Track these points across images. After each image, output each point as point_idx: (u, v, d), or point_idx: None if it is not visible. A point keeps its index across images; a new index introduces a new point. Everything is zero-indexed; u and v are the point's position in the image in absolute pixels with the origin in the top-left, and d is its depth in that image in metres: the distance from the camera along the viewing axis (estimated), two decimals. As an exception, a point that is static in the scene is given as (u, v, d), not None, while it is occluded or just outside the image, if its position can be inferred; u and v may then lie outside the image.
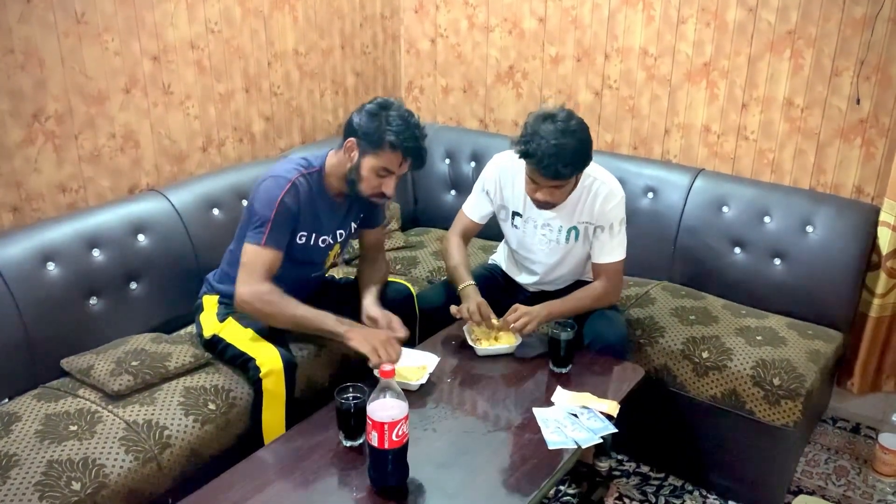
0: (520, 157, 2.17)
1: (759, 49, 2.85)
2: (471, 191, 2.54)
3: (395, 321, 2.18)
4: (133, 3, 2.52)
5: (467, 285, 2.35)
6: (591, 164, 2.30)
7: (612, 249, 2.35)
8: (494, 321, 2.25)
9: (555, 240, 2.38)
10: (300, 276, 2.29)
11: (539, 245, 2.41)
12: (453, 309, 2.27)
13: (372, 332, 2.09)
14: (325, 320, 2.11)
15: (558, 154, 2.09)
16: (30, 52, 2.30)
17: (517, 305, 2.27)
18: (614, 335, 2.33)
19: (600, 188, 2.31)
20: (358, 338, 2.05)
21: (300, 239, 2.22)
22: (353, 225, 2.38)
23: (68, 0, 2.35)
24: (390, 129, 2.09)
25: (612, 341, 2.30)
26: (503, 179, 2.42)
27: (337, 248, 2.37)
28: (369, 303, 2.27)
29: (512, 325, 2.23)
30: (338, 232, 2.33)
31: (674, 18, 2.98)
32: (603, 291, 2.38)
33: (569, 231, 2.36)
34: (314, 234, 2.26)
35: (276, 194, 2.13)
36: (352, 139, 2.15)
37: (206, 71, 2.82)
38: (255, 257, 2.12)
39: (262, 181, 2.19)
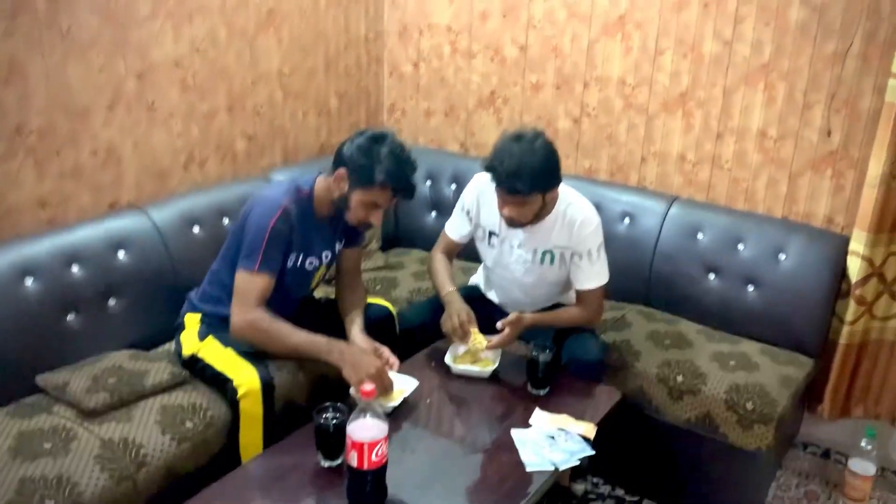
0: (485, 171, 2.23)
1: (733, 81, 2.93)
2: (451, 212, 2.58)
3: (385, 351, 2.19)
4: (119, 21, 2.54)
5: (448, 292, 2.39)
6: (568, 190, 2.35)
7: (593, 276, 2.39)
8: (475, 334, 2.28)
9: (530, 260, 2.42)
10: (288, 298, 2.29)
11: (515, 264, 2.45)
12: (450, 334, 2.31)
13: (363, 362, 2.06)
14: (319, 347, 2.11)
15: (518, 170, 2.14)
16: (14, 67, 2.30)
17: (513, 319, 2.30)
18: (591, 356, 2.36)
19: (575, 214, 2.35)
20: (350, 369, 2.05)
21: (289, 262, 2.23)
22: (339, 245, 2.39)
23: (55, 16, 2.36)
24: (381, 167, 2.10)
25: (589, 361, 2.34)
26: (481, 199, 2.46)
27: (323, 269, 2.37)
28: (357, 335, 2.26)
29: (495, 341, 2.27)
30: (324, 253, 2.33)
31: (651, 50, 3.06)
32: (581, 317, 2.44)
33: (543, 254, 2.40)
34: (303, 257, 2.26)
35: (267, 221, 2.13)
36: (342, 170, 2.15)
37: (191, 89, 2.83)
38: (248, 284, 2.12)
39: (252, 207, 2.19)
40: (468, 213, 2.50)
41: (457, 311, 2.32)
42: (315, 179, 2.26)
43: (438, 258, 2.54)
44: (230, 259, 2.22)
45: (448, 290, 2.42)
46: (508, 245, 2.43)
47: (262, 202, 2.18)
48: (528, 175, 2.15)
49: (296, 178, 2.29)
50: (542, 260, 2.40)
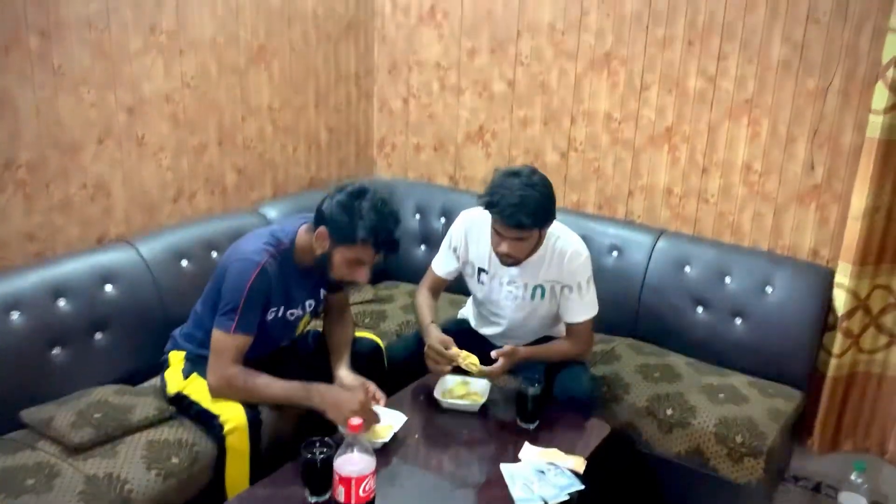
0: (484, 208, 2.22)
1: (718, 116, 2.98)
2: (440, 245, 2.58)
3: (371, 386, 2.17)
4: (111, 56, 2.56)
5: (426, 325, 2.39)
6: (556, 224, 2.37)
7: (582, 309, 2.40)
8: (462, 354, 2.27)
9: (521, 296, 2.42)
10: (269, 347, 2.27)
11: (505, 301, 2.45)
12: (430, 365, 2.31)
13: (345, 401, 2.04)
14: (297, 394, 2.09)
15: (521, 204, 2.14)
16: (5, 102, 2.31)
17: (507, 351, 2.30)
18: (581, 389, 2.36)
19: (565, 247, 2.36)
20: (332, 410, 2.03)
21: (269, 315, 2.20)
22: (322, 291, 2.35)
23: (47, 52, 2.38)
24: (363, 224, 2.03)
25: (579, 394, 2.34)
26: (470, 236, 2.46)
27: (307, 318, 2.35)
28: (343, 371, 2.24)
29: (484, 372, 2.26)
30: (307, 303, 2.30)
31: (637, 85, 3.11)
32: (572, 350, 2.45)
33: (534, 289, 2.40)
34: (285, 311, 2.23)
35: (245, 279, 2.08)
36: (323, 229, 2.09)
37: (181, 123, 2.85)
38: (224, 344, 2.10)
39: (231, 263, 2.14)
40: (455, 249, 2.50)
41: (432, 342, 2.30)
42: (296, 231, 2.20)
43: (423, 294, 2.54)
44: (211, 305, 2.19)
45: (426, 323, 2.41)
46: (498, 282, 2.43)
47: (241, 257, 2.13)
48: (532, 209, 2.16)
49: (276, 229, 2.23)
50: (533, 295, 2.41)
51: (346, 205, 2.06)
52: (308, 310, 2.32)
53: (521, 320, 2.47)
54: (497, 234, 2.25)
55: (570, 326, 2.44)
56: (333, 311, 2.44)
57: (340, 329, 2.40)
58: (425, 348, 2.32)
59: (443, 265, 2.55)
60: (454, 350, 2.28)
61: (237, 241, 2.25)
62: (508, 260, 2.30)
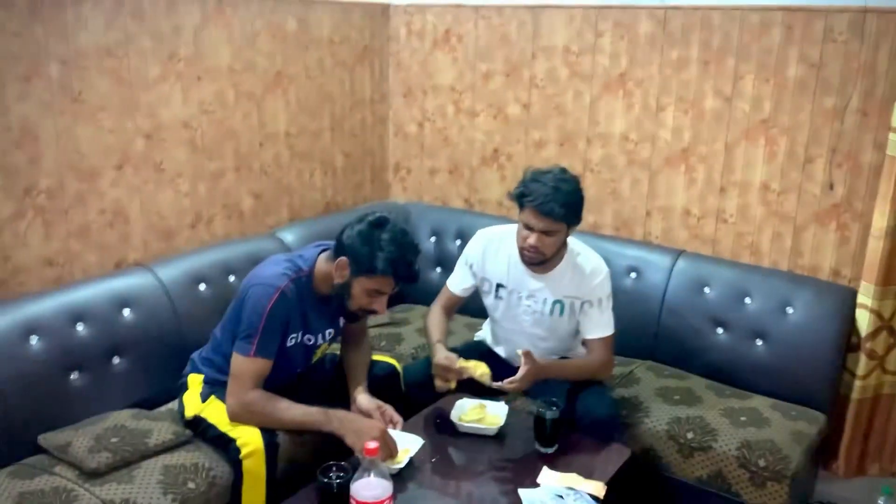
0: (516, 199, 2.28)
1: (735, 136, 2.96)
2: (454, 265, 2.58)
3: (389, 410, 2.16)
4: (129, 83, 2.60)
5: (433, 343, 2.38)
6: (577, 242, 2.38)
7: (603, 325, 2.40)
8: (461, 365, 2.25)
9: (539, 311, 2.41)
10: (286, 373, 2.26)
11: (524, 315, 2.44)
12: (438, 383, 2.28)
13: (364, 427, 2.03)
14: (317, 419, 2.09)
15: (555, 193, 2.21)
16: (26, 130, 2.35)
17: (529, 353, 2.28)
18: (605, 410, 2.33)
19: (585, 263, 2.38)
20: (351, 436, 2.02)
21: (289, 342, 2.20)
22: (342, 320, 2.35)
23: (66, 80, 2.42)
24: (382, 255, 2.05)
25: (602, 416, 2.31)
26: (487, 252, 2.47)
27: (325, 346, 2.35)
28: (360, 396, 2.23)
29: (502, 385, 2.24)
30: (327, 331, 2.30)
31: (653, 106, 3.10)
32: (598, 366, 2.43)
33: (553, 304, 2.39)
34: (303, 336, 2.23)
35: (264, 304, 2.09)
36: (343, 259, 2.11)
37: (199, 150, 2.88)
38: (244, 369, 2.10)
39: (250, 287, 2.15)
40: (471, 266, 2.50)
41: (438, 359, 2.28)
42: (316, 258, 2.21)
43: (434, 313, 2.53)
44: (230, 331, 2.20)
45: (433, 341, 2.40)
46: (517, 297, 2.43)
47: (261, 282, 2.14)
48: (563, 200, 2.22)
49: (295, 256, 2.24)
50: (552, 311, 2.40)
51: (366, 236, 2.08)
52: (327, 338, 2.32)
53: (539, 338, 2.45)
54: (526, 227, 2.28)
55: (589, 343, 2.42)
56: (351, 336, 2.43)
57: (357, 354, 2.39)
58: (432, 367, 2.30)
59: (458, 282, 2.55)
60: (461, 362, 2.26)
61: (256, 266, 2.26)
62: (534, 256, 2.30)
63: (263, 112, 3.10)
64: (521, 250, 2.34)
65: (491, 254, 2.46)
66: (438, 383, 2.29)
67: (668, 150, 3.11)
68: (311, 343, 2.27)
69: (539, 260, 2.33)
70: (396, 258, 2.06)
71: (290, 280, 2.14)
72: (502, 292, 2.45)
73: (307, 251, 2.26)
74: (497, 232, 2.49)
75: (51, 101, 2.39)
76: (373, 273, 2.07)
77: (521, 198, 2.26)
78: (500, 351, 2.59)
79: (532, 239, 2.27)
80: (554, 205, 2.20)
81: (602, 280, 2.38)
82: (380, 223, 2.10)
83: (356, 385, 2.28)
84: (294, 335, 2.20)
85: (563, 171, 2.31)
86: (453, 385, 2.28)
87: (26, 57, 2.31)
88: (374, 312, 2.20)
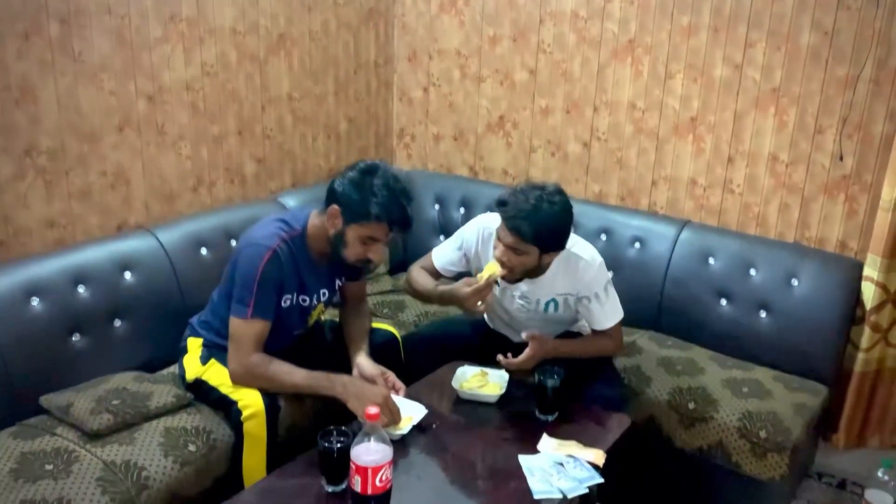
0: (496, 205, 2.16)
1: (744, 105, 2.92)
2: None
3: (391, 376, 2.15)
4: (130, 43, 2.56)
5: (436, 286, 2.34)
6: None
7: (607, 315, 2.34)
8: (492, 269, 2.20)
9: (533, 309, 2.37)
10: (283, 336, 2.25)
11: (518, 312, 2.40)
12: (480, 307, 2.23)
13: (368, 392, 2.02)
14: (320, 383, 2.08)
15: (532, 213, 2.08)
16: (26, 89, 2.32)
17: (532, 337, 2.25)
18: (614, 392, 2.33)
19: (576, 258, 2.28)
20: (353, 401, 2.01)
21: (284, 303, 2.18)
22: (338, 283, 2.34)
23: (66, 39, 2.38)
24: (375, 200, 2.02)
25: (611, 397, 2.30)
26: (482, 244, 2.38)
27: (321, 307, 2.33)
28: (362, 360, 2.22)
29: (507, 364, 2.22)
30: (321, 292, 2.28)
31: (661, 74, 3.05)
32: (608, 347, 2.41)
33: (546, 303, 2.35)
34: (297, 297, 2.22)
35: (257, 264, 2.07)
36: (335, 207, 2.08)
37: (201, 112, 2.84)
38: (243, 331, 2.09)
39: (243, 248, 2.14)
40: (465, 253, 2.43)
41: (460, 286, 2.22)
42: (308, 217, 2.19)
43: (417, 270, 2.46)
44: (226, 294, 2.19)
45: (431, 286, 2.34)
46: (510, 294, 2.38)
47: (253, 243, 2.12)
48: (536, 222, 2.09)
49: (288, 216, 2.22)
50: (546, 308, 2.36)
51: (357, 182, 2.05)
52: (322, 299, 2.30)
53: (535, 327, 2.38)
54: (497, 237, 2.20)
55: (598, 333, 2.39)
56: (350, 301, 2.42)
57: (357, 319, 2.38)
58: (458, 298, 2.21)
59: (445, 260, 2.46)
60: (481, 274, 2.20)
61: (249, 228, 2.24)
62: (505, 272, 2.20)
63: (266, 75, 3.06)
64: (494, 257, 2.23)
65: (486, 246, 2.36)
66: (480, 307, 2.22)
67: (676, 119, 3.07)
68: (307, 304, 2.26)
69: (511, 277, 2.22)
70: (389, 202, 2.03)
71: (282, 240, 2.12)
72: (496, 287, 2.36)
73: (300, 211, 2.24)
74: (494, 222, 2.31)
75: (51, 61, 2.36)
76: (366, 219, 2.05)
77: (499, 204, 2.14)
78: (498, 328, 2.57)
79: (498, 251, 2.18)
80: (524, 223, 2.08)
81: (595, 273, 2.28)
82: (371, 169, 2.07)
83: (357, 350, 2.27)
84: (288, 296, 2.18)
85: (557, 192, 2.15)
86: (491, 299, 2.23)
87: (25, 14, 2.27)
88: (370, 262, 2.17)
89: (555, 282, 2.30)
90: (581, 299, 2.31)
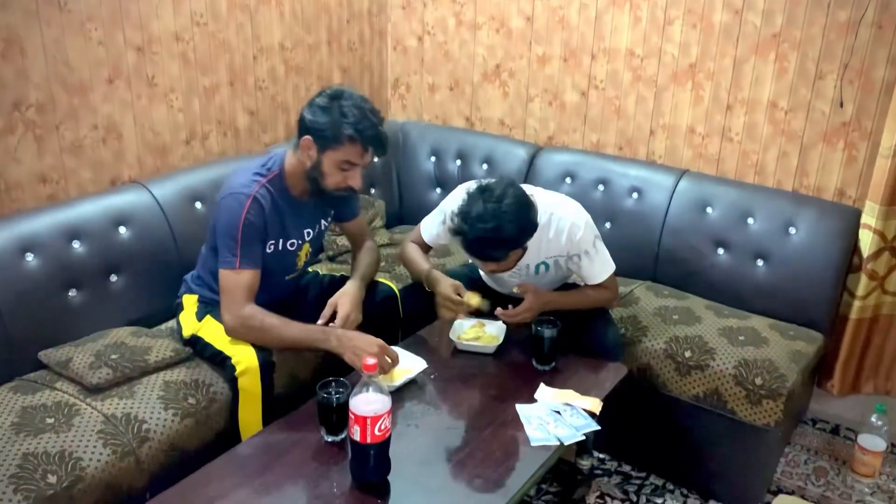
0: (453, 236, 2.13)
1: (744, 51, 2.87)
2: (455, 187, 2.51)
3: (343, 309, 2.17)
4: (117, -8, 2.50)
5: (427, 271, 2.35)
6: (546, 197, 2.28)
7: (599, 270, 2.33)
8: (472, 297, 2.24)
9: (525, 275, 2.36)
10: (274, 282, 2.24)
11: (510, 278, 2.39)
12: (444, 313, 2.28)
13: (363, 344, 2.02)
14: (315, 336, 2.07)
15: (492, 238, 2.02)
16: (11, 40, 2.27)
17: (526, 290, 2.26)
18: (610, 339, 2.34)
19: (562, 222, 2.25)
20: (349, 353, 2.01)
21: (269, 248, 2.17)
22: (323, 222, 2.33)
23: (51, -12, 2.33)
24: (346, 121, 2.01)
25: (608, 345, 2.32)
26: None
27: (307, 247, 2.32)
28: (346, 287, 2.25)
29: (504, 315, 2.23)
30: (305, 231, 2.27)
31: (660, 20, 2.99)
32: (604, 298, 2.41)
33: (537, 266, 2.34)
34: (282, 240, 2.21)
35: (238, 214, 2.05)
36: (307, 137, 2.06)
37: (191, 64, 2.79)
38: (233, 282, 2.07)
39: (222, 198, 2.11)
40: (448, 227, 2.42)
41: (444, 289, 2.26)
42: (283, 156, 2.17)
43: (410, 244, 2.48)
44: (213, 246, 2.17)
45: (424, 269, 2.36)
46: None
47: (231, 192, 2.09)
48: (504, 239, 2.04)
49: (263, 159, 2.19)
50: (537, 271, 2.35)
51: (326, 107, 2.04)
52: (307, 238, 2.28)
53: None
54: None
55: (593, 287, 2.38)
56: (353, 240, 2.45)
57: (361, 252, 2.42)
58: (438, 297, 2.27)
59: (433, 233, 2.45)
60: (467, 295, 2.24)
61: (227, 177, 2.21)
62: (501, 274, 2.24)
63: (257, 24, 3.00)
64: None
65: None
66: (445, 314, 2.27)
67: (674, 66, 3.02)
68: (294, 247, 2.26)
69: (504, 271, 2.27)
70: (360, 121, 2.02)
71: (261, 185, 2.11)
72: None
73: (276, 153, 2.22)
74: None
75: (36, 11, 2.30)
76: (339, 143, 2.03)
77: (456, 235, 2.08)
78: (494, 286, 2.55)
79: (487, 268, 2.23)
80: (492, 250, 2.07)
81: (583, 233, 2.24)
82: (337, 94, 2.06)
83: (351, 278, 2.30)
84: (273, 241, 2.17)
85: (504, 191, 2.04)
86: (463, 317, 2.27)
87: (7, -37, 2.22)
88: (351, 190, 2.15)
89: (541, 247, 2.28)
90: (571, 258, 2.30)
